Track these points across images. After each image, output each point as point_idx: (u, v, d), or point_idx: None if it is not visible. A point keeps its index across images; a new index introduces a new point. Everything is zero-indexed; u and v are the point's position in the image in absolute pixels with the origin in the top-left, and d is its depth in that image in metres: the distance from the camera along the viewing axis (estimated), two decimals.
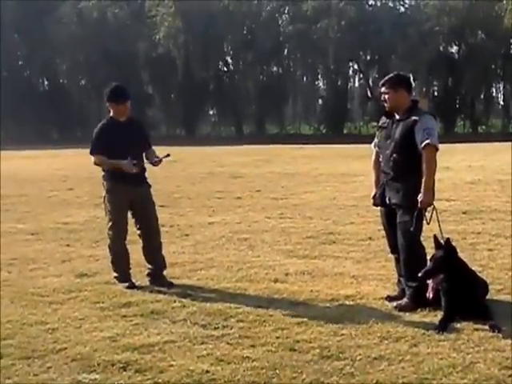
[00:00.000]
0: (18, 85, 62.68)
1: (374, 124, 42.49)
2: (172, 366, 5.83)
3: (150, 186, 8.81)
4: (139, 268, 8.99)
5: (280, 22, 62.49)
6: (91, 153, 8.66)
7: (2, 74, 60.58)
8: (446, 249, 7.04)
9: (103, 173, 8.71)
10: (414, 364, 5.72)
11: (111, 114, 8.71)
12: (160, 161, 8.77)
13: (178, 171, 24.17)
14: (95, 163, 8.71)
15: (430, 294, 6.98)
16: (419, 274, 7.00)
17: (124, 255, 8.73)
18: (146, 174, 8.83)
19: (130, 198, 8.55)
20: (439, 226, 7.26)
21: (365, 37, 55.35)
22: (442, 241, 7.14)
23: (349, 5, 56.32)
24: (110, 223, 8.70)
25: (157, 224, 8.83)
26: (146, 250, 8.81)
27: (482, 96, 59.99)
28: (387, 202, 7.55)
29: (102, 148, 8.55)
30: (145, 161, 8.72)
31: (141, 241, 8.82)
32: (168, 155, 8.87)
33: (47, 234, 12.52)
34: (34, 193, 19.16)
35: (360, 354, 5.96)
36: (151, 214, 8.76)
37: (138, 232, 8.77)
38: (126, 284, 8.50)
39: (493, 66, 58.77)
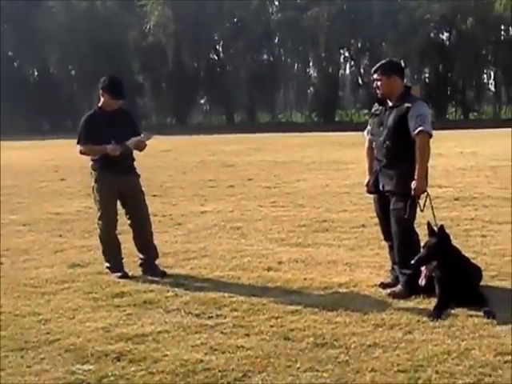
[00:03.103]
0: (8, 75, 62.42)
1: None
2: (166, 355, 5.80)
3: (138, 175, 8.76)
4: (132, 258, 8.97)
5: (270, 9, 62.39)
6: (78, 142, 8.62)
7: None
8: (440, 236, 7.03)
9: (91, 163, 8.66)
10: (409, 351, 5.70)
11: (100, 103, 8.65)
12: (144, 141, 8.67)
13: (169, 160, 24.10)
14: (81, 152, 8.68)
15: (422, 281, 6.98)
16: (412, 262, 7.00)
17: (115, 245, 8.71)
18: (137, 164, 8.79)
19: (118, 187, 8.51)
20: (433, 212, 7.26)
21: (355, 24, 55.31)
22: (435, 228, 7.13)
23: None
24: (100, 213, 8.67)
25: (147, 213, 8.80)
26: (136, 240, 8.77)
27: (473, 82, 60.00)
28: (381, 189, 7.54)
29: (88, 138, 8.50)
30: (132, 149, 8.62)
31: (131, 231, 8.79)
32: (150, 136, 8.79)
33: (39, 225, 12.48)
34: (26, 184, 19.10)
35: (354, 342, 5.95)
36: (141, 203, 8.71)
37: (129, 222, 8.74)
38: (119, 274, 8.47)
39: (484, 53, 58.82)
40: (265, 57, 65.52)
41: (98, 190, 8.60)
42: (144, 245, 8.75)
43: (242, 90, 61.81)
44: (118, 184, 8.50)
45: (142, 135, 8.65)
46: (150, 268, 8.62)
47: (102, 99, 8.61)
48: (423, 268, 6.98)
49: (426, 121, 7.23)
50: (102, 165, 8.51)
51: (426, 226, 7.23)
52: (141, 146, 8.68)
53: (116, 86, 8.62)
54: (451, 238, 7.19)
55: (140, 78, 66.79)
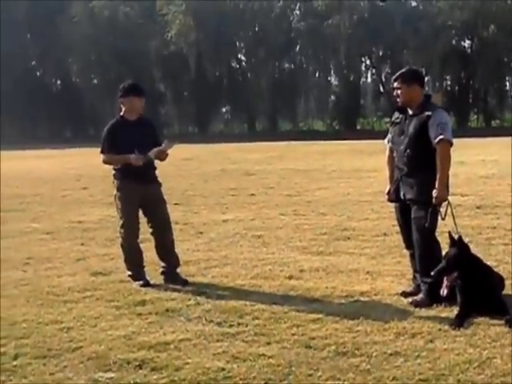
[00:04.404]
0: (31, 85, 62.93)
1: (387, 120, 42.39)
2: (188, 363, 5.82)
3: (160, 184, 8.81)
4: (153, 266, 8.99)
5: (291, 18, 62.39)
6: (102, 152, 8.67)
7: (15, 74, 60.76)
8: (459, 246, 7.01)
9: (113, 171, 8.71)
10: (431, 360, 5.69)
11: (122, 112, 8.70)
12: (165, 151, 8.71)
13: (191, 169, 24.15)
14: (104, 161, 8.73)
15: (444, 292, 6.96)
16: (432, 273, 6.99)
17: (137, 253, 8.74)
18: (158, 172, 8.84)
19: (140, 196, 8.55)
20: (454, 221, 7.23)
21: (377, 32, 55.14)
22: (456, 237, 7.11)
23: (360, 0, 56.18)
24: (122, 221, 8.70)
25: (168, 222, 8.83)
26: (158, 248, 8.81)
27: (495, 90, 59.64)
28: (402, 197, 7.53)
29: (111, 147, 8.55)
30: (153, 158, 8.66)
31: (153, 239, 8.83)
32: (171, 145, 8.80)
33: (62, 233, 12.55)
34: (48, 192, 19.22)
35: (376, 351, 5.95)
36: (162, 211, 8.75)
37: (150, 230, 8.77)
38: (141, 282, 8.50)
39: (506, 60, 58.41)
40: (286, 65, 65.40)
41: (121, 199, 8.64)
42: (166, 253, 8.78)
43: (263, 98, 61.75)
44: (140, 193, 8.53)
45: (164, 144, 8.67)
46: (172, 276, 8.65)
47: (123, 108, 8.67)
48: (445, 278, 6.97)
49: (446, 129, 7.22)
50: (124, 174, 8.56)
51: (447, 235, 7.21)
52: (162, 156, 8.72)
53: (133, 86, 8.76)
54: (473, 246, 7.17)
55: (162, 86, 66.88)
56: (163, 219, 8.78)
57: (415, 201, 7.35)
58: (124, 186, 8.60)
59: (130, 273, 8.74)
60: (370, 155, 26.41)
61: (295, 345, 6.19)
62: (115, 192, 8.72)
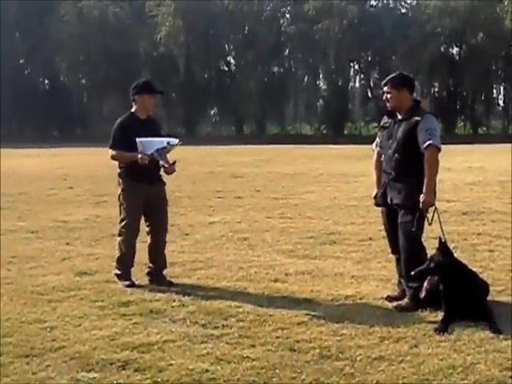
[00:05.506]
0: (19, 83, 62.73)
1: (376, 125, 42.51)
2: (171, 365, 5.80)
3: (164, 183, 8.82)
4: (139, 267, 8.95)
5: (281, 21, 62.48)
6: (111, 147, 8.63)
7: (3, 72, 60.53)
8: (442, 251, 7.03)
9: (119, 170, 8.70)
10: (415, 365, 5.69)
11: (134, 109, 8.69)
12: (170, 167, 8.74)
13: (178, 170, 23.76)
14: (112, 157, 8.69)
15: (421, 294, 7.00)
16: (412, 273, 7.03)
17: (132, 254, 8.69)
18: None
19: (145, 196, 8.53)
20: (441, 226, 7.24)
21: (366, 37, 55.35)
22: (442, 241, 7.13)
23: (350, 5, 56.35)
24: (125, 222, 8.65)
25: (166, 223, 8.87)
26: (151, 248, 8.75)
27: (482, 97, 59.98)
28: (389, 202, 7.53)
29: (121, 143, 8.51)
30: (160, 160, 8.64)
31: (148, 238, 8.77)
32: (174, 162, 8.81)
33: (47, 233, 12.49)
34: (34, 191, 19.13)
35: (360, 355, 5.94)
36: (163, 212, 8.77)
37: (147, 229, 8.73)
38: (126, 282, 8.46)
39: (493, 68, 58.81)
40: (275, 68, 65.53)
41: (126, 198, 8.60)
42: (156, 254, 8.73)
43: (251, 101, 61.78)
44: (145, 193, 8.52)
45: (166, 144, 8.62)
46: (158, 277, 8.62)
47: (134, 105, 8.67)
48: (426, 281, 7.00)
49: (434, 134, 7.24)
50: (129, 173, 8.54)
51: (433, 240, 7.22)
52: (168, 170, 8.73)
53: (148, 83, 8.91)
54: (459, 252, 7.19)
55: None
56: (162, 220, 8.78)
57: (402, 205, 7.36)
58: (130, 186, 8.57)
59: (118, 272, 8.67)
60: (357, 160, 26.44)
61: (279, 347, 6.18)
62: (120, 191, 8.68)
